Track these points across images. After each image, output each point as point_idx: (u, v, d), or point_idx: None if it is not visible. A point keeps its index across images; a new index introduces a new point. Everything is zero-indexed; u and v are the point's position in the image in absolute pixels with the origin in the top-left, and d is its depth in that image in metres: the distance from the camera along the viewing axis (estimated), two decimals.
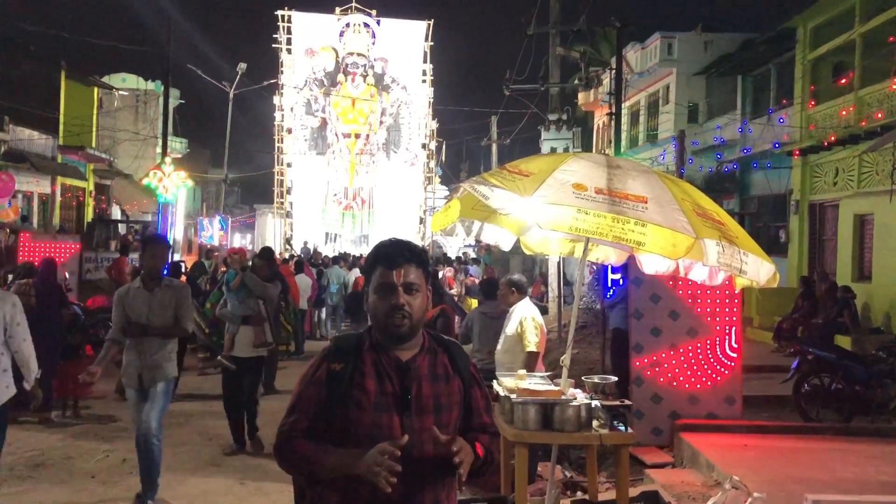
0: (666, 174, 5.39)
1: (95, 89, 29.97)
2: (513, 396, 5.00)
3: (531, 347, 6.52)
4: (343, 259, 20.69)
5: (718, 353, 7.83)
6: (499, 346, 6.86)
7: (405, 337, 2.46)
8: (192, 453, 7.64)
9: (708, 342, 7.83)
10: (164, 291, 5.98)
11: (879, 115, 14.48)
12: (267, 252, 9.82)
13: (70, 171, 26.67)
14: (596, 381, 5.35)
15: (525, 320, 6.63)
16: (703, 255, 4.42)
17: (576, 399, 5.05)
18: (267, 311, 8.27)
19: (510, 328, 6.73)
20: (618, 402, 5.14)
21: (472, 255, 27.52)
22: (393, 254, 2.49)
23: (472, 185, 4.74)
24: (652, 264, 5.40)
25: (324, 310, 17.92)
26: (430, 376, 2.48)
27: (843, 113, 15.69)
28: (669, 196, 4.53)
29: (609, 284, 13.23)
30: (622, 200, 4.38)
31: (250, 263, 8.95)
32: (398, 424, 2.38)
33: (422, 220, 35.30)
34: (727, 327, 7.85)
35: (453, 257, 27.88)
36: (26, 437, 7.96)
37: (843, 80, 16.06)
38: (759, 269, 4.70)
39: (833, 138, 15.59)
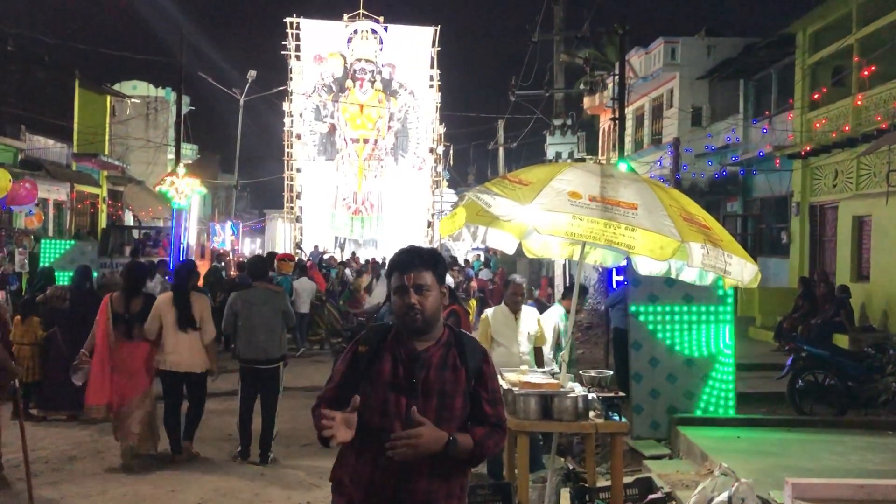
0: (657, 182, 5.78)
1: (108, 97, 30.49)
2: (515, 389, 5.39)
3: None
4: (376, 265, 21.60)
5: (713, 349, 8.20)
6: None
7: (419, 330, 2.90)
8: None
9: (703, 339, 8.20)
10: None
11: (878, 118, 14.81)
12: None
13: (84, 179, 27.18)
14: (592, 374, 5.72)
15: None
16: (689, 256, 4.82)
17: (573, 391, 5.45)
18: None
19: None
20: (612, 394, 5.50)
21: (482, 257, 27.85)
22: (405, 260, 2.94)
23: (475, 194, 5.14)
24: (646, 266, 5.79)
25: None
26: (438, 366, 2.89)
27: (846, 127, 16.15)
28: (658, 203, 4.91)
29: (614, 286, 13.63)
30: (614, 207, 4.77)
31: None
32: (404, 404, 2.82)
33: (430, 224, 35.71)
34: (721, 325, 8.21)
35: (461, 261, 28.26)
36: (56, 433, 8.41)
37: (817, 96, 16.66)
38: (742, 270, 5.08)
39: (809, 147, 16.14)
